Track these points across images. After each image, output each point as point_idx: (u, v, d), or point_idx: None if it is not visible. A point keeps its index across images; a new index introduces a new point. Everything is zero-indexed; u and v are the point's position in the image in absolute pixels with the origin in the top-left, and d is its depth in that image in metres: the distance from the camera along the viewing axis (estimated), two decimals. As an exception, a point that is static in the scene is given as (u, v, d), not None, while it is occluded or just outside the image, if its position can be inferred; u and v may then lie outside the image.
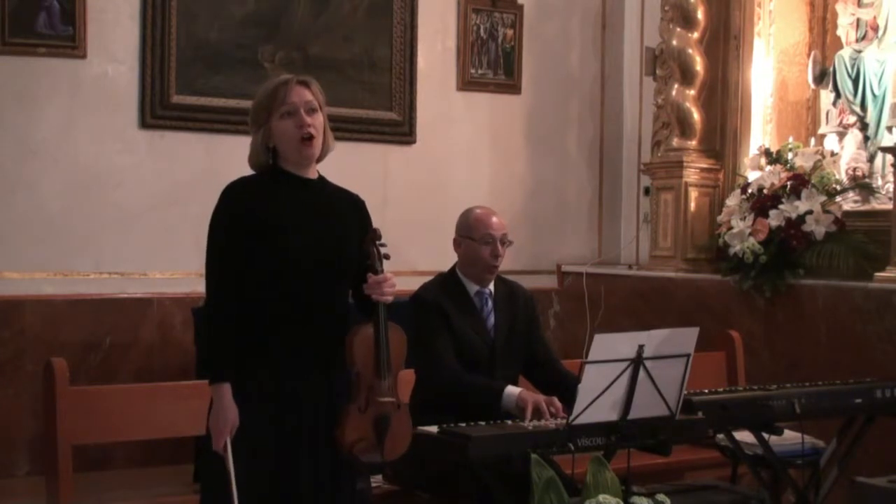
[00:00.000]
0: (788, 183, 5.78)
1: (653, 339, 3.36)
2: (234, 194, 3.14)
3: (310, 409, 3.12)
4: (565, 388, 3.86)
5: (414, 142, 6.56)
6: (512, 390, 3.72)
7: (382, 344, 3.12)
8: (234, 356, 3.05)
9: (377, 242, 3.19)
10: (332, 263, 3.16)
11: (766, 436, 4.02)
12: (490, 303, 4.03)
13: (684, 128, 6.38)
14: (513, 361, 4.02)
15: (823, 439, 4.40)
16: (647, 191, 6.88)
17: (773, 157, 6.03)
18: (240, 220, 3.08)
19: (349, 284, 3.23)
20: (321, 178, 3.28)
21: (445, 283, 4.04)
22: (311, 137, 3.15)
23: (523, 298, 4.13)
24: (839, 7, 6.12)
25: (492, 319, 4.02)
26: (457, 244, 4.05)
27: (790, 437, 4.19)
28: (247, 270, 3.07)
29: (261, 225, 3.08)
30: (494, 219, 4.01)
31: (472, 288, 4.03)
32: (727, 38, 6.40)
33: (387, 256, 3.19)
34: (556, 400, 3.70)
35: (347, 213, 3.27)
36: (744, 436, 4.11)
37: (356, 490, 3.29)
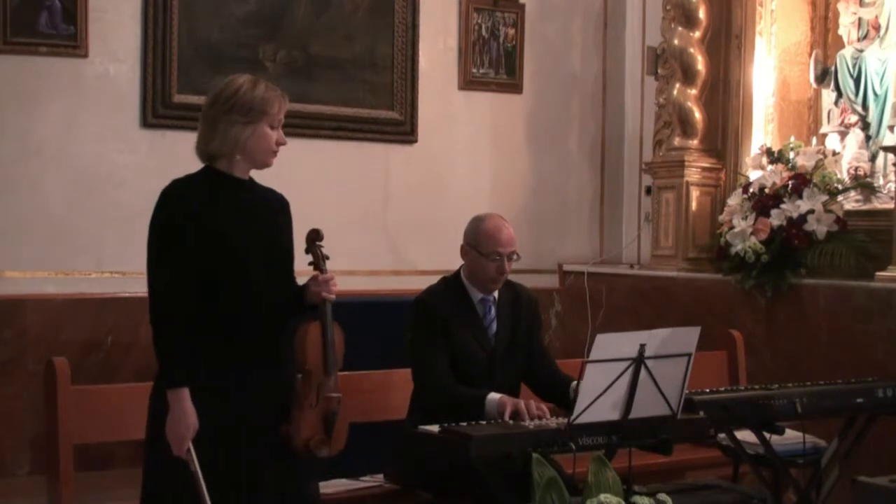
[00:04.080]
0: (790, 182, 5.77)
1: (654, 339, 3.36)
2: (175, 197, 3.14)
3: (262, 408, 3.15)
4: (562, 392, 3.87)
5: (415, 141, 6.57)
6: (493, 397, 3.70)
7: (329, 341, 3.22)
8: (188, 360, 3.06)
9: (317, 243, 3.30)
10: (274, 262, 3.22)
11: (767, 435, 4.01)
12: (493, 311, 4.00)
13: (686, 127, 6.38)
14: (512, 369, 4.00)
15: (825, 439, 4.39)
16: (648, 190, 6.88)
17: (775, 157, 6.02)
18: (184, 223, 3.09)
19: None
20: (251, 179, 3.31)
21: (449, 289, 4.00)
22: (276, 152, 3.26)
23: (526, 303, 4.10)
24: (841, 6, 6.12)
25: (494, 328, 3.99)
26: (464, 252, 4.00)
27: (791, 437, 4.19)
28: (192, 272, 3.08)
29: (206, 227, 3.10)
30: (504, 234, 3.93)
31: (476, 296, 4.00)
32: (729, 38, 6.40)
33: (327, 257, 3.31)
34: (541, 403, 3.69)
35: (278, 212, 3.33)
36: (745, 435, 4.11)
37: (307, 492, 3.34)
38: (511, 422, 3.54)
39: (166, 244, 3.09)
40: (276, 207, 3.32)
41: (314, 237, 3.32)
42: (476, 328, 3.96)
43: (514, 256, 3.96)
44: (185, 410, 3.02)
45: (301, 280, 3.34)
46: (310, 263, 3.31)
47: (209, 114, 3.20)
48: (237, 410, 3.11)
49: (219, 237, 3.11)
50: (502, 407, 3.62)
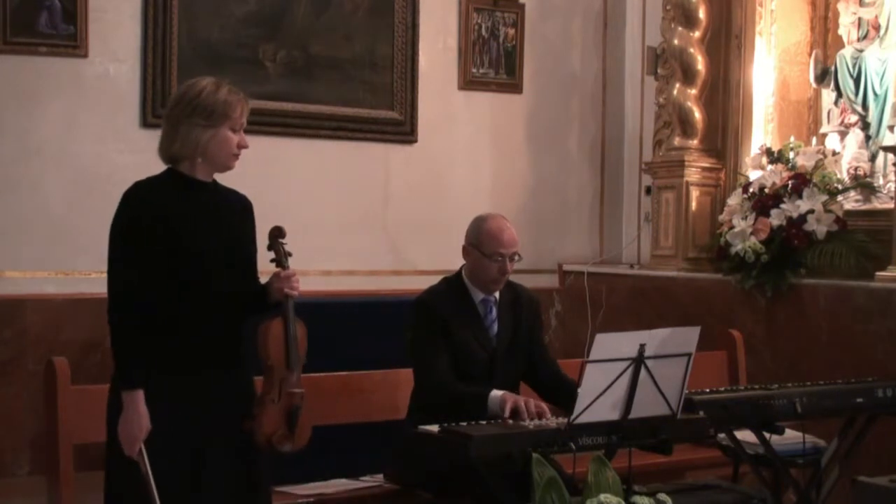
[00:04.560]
0: (790, 182, 5.78)
1: (654, 339, 3.36)
2: (138, 199, 3.16)
3: (223, 407, 3.16)
4: (564, 393, 3.87)
5: (415, 141, 6.57)
6: (496, 394, 3.71)
7: (292, 337, 3.23)
8: (145, 361, 3.07)
9: (280, 240, 3.32)
10: (237, 263, 3.24)
11: (767, 435, 4.01)
12: (494, 311, 4.01)
13: (686, 127, 6.38)
14: (513, 369, 4.00)
15: (825, 438, 4.39)
16: (648, 190, 6.88)
17: (775, 157, 6.02)
18: (147, 225, 3.10)
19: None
20: (214, 181, 3.31)
21: (451, 289, 4.01)
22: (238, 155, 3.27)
23: (527, 303, 4.10)
24: (841, 6, 6.12)
25: (495, 328, 3.99)
26: (466, 252, 4.00)
27: (791, 437, 4.19)
28: (155, 273, 3.09)
29: (169, 229, 3.11)
30: (506, 235, 3.93)
31: (478, 296, 4.00)
32: (728, 38, 6.40)
33: (289, 254, 3.33)
34: (540, 402, 3.70)
35: (241, 213, 3.34)
36: (745, 435, 4.11)
37: (267, 495, 3.37)
38: (511, 421, 3.54)
39: (128, 245, 3.10)
40: (238, 208, 3.33)
41: (277, 234, 3.34)
42: (477, 328, 3.96)
43: (517, 257, 3.96)
44: (139, 412, 3.03)
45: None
46: (272, 260, 3.33)
47: (171, 115, 3.22)
48: (201, 411, 3.12)
49: (181, 239, 3.12)
50: (504, 403, 3.64)
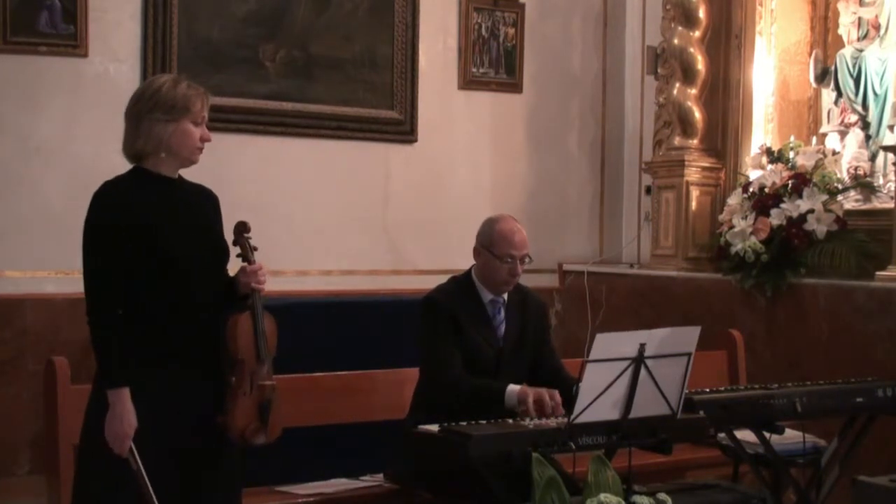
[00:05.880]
0: (790, 182, 5.78)
1: (654, 338, 3.36)
2: (108, 199, 3.16)
3: (201, 403, 3.17)
4: (565, 393, 3.87)
5: (415, 141, 6.57)
6: (513, 388, 3.75)
7: (260, 330, 3.25)
8: (129, 359, 3.07)
9: (245, 235, 3.35)
10: (209, 258, 3.25)
11: (767, 435, 4.01)
12: (503, 311, 4.03)
13: (686, 127, 6.38)
14: (518, 370, 4.02)
15: (825, 438, 4.39)
16: (648, 190, 6.89)
17: (775, 156, 6.03)
18: (119, 224, 3.10)
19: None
20: (180, 177, 3.33)
21: (460, 289, 4.02)
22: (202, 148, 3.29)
23: (535, 306, 4.13)
24: (841, 6, 6.12)
25: (503, 329, 4.02)
26: (476, 253, 4.02)
27: (791, 436, 4.19)
28: (130, 272, 3.09)
29: (139, 226, 3.12)
30: (517, 237, 3.95)
31: (487, 296, 4.02)
32: (729, 37, 6.40)
33: (255, 248, 3.35)
34: (556, 393, 3.71)
35: (209, 208, 3.36)
36: (745, 435, 4.11)
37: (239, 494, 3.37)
38: (510, 421, 3.54)
39: (101, 245, 3.11)
40: (206, 203, 3.35)
41: (242, 229, 3.36)
42: (485, 328, 3.98)
43: (527, 259, 3.99)
44: (126, 409, 3.04)
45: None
46: (238, 255, 3.35)
47: (132, 113, 3.24)
48: (176, 408, 3.12)
49: (152, 236, 3.13)
50: (524, 396, 3.67)
